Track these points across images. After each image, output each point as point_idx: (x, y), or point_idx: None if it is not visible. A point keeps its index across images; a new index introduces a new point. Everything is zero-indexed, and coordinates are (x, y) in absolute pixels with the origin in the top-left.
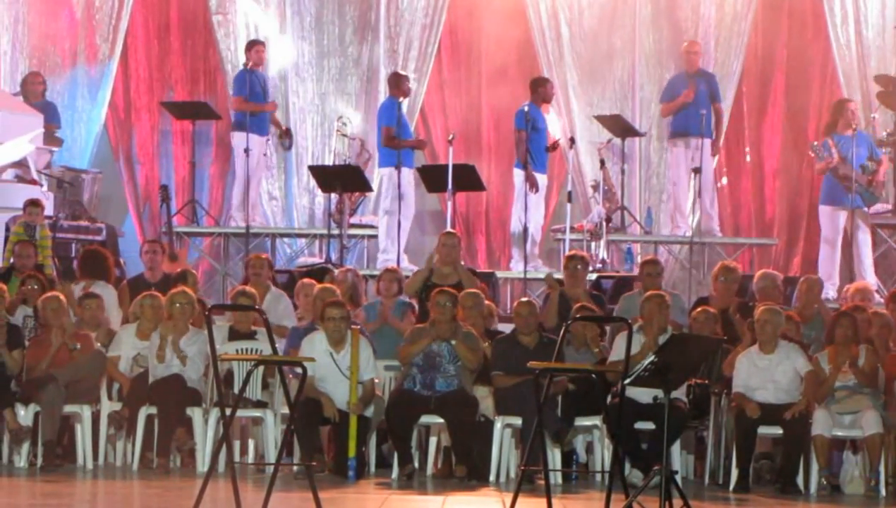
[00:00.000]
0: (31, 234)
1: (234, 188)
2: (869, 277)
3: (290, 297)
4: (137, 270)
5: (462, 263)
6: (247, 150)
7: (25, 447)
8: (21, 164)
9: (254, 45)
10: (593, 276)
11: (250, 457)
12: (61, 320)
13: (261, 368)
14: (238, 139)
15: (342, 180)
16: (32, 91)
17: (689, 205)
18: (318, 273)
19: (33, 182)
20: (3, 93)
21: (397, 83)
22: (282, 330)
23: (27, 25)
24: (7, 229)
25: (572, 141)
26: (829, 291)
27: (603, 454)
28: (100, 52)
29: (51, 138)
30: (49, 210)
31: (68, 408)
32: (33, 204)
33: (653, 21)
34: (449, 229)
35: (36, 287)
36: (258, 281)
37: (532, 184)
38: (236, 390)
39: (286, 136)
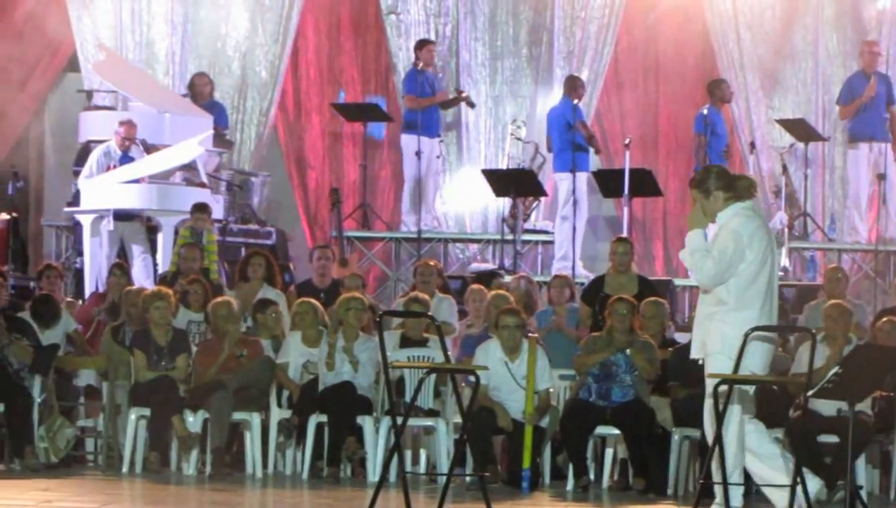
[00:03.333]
0: (197, 239)
1: (404, 191)
2: None
3: (461, 303)
4: (306, 275)
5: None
6: (418, 153)
7: (194, 454)
8: (190, 167)
9: (425, 45)
10: None
11: (422, 467)
12: (231, 326)
13: (433, 376)
14: (407, 141)
15: (516, 184)
16: (200, 92)
17: (869, 212)
18: (487, 277)
19: (202, 185)
20: (173, 95)
21: (573, 86)
22: (447, 327)
23: (196, 25)
24: (175, 232)
25: (753, 145)
26: None
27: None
28: (269, 52)
29: (220, 141)
30: (219, 213)
31: (237, 415)
32: (200, 209)
33: (836, 21)
34: (621, 235)
35: (199, 291)
36: (426, 288)
37: None
38: (408, 398)
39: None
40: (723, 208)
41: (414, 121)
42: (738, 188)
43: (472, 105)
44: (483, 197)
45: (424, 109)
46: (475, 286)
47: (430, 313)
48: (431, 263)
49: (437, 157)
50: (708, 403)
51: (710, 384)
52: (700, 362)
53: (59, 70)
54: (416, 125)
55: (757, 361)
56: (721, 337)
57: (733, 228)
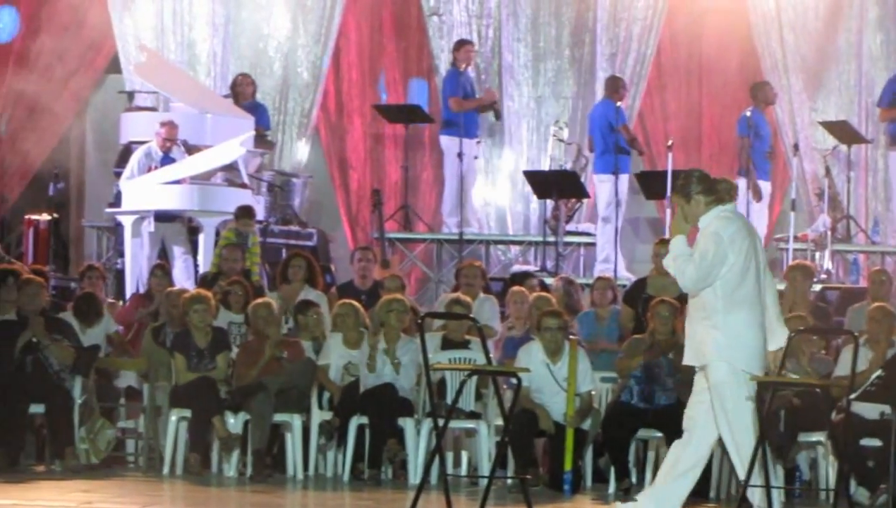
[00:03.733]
0: (242, 241)
1: (445, 193)
2: None
3: (502, 306)
4: (347, 276)
5: None
6: (460, 154)
7: (235, 455)
8: (231, 168)
9: (462, 45)
10: (818, 287)
11: (463, 470)
12: (272, 328)
13: (474, 378)
14: (447, 142)
15: (558, 186)
16: (242, 92)
17: None
18: (520, 278)
19: (244, 186)
20: (213, 95)
21: (615, 87)
22: (487, 330)
23: (238, 26)
24: (217, 234)
25: (796, 147)
26: None
27: (827, 471)
28: (311, 53)
29: (261, 141)
30: (260, 215)
31: (278, 417)
32: (246, 215)
33: (879, 22)
34: (664, 236)
35: (239, 293)
36: (470, 290)
37: (755, 192)
38: (449, 400)
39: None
40: (704, 212)
41: (455, 121)
42: (719, 191)
43: (497, 116)
44: (525, 198)
45: (467, 112)
46: (516, 288)
47: (471, 314)
48: (476, 264)
49: (475, 158)
50: (694, 404)
51: (743, 388)
52: (697, 369)
53: (101, 71)
54: (457, 126)
55: (752, 363)
56: (714, 344)
57: (713, 231)
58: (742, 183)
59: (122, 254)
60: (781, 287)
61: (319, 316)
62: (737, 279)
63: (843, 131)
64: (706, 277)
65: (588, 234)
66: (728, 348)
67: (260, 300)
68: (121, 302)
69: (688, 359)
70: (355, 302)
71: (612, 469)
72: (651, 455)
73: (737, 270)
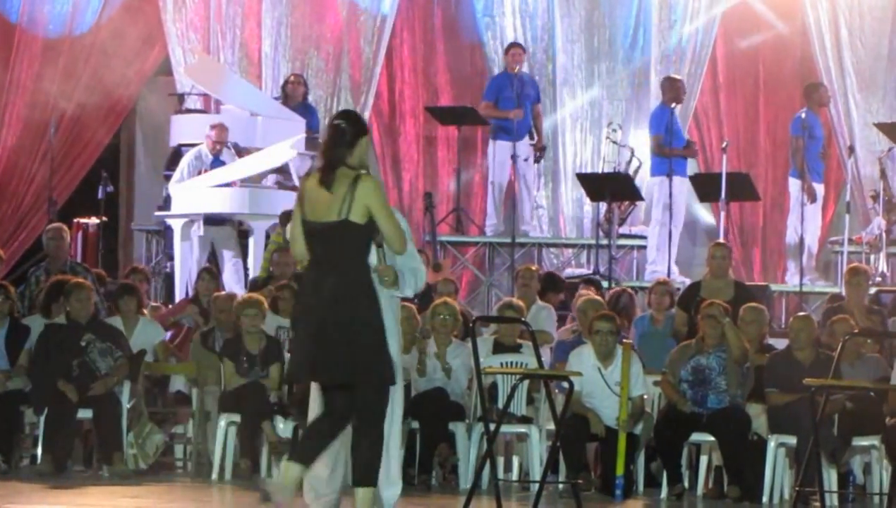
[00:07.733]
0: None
1: (498, 196)
2: None
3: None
4: None
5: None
6: (513, 157)
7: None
8: (282, 170)
9: (510, 49)
10: (872, 290)
11: (514, 474)
12: None
13: (526, 382)
14: (495, 145)
15: (612, 189)
16: (293, 94)
17: None
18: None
19: (294, 189)
20: (264, 97)
21: (671, 88)
22: (544, 336)
23: (290, 28)
24: (267, 237)
25: (851, 149)
26: None
27: (881, 475)
28: (363, 54)
29: (312, 143)
30: None
31: None
32: (289, 220)
33: None
34: (719, 240)
35: (289, 297)
36: (527, 292)
37: (809, 194)
38: (500, 404)
39: (539, 151)
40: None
41: (503, 125)
42: None
43: (539, 156)
44: (578, 201)
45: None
46: (584, 292)
47: (524, 318)
48: (534, 268)
49: (525, 160)
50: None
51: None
52: None
53: (151, 73)
54: (505, 129)
55: None
56: None
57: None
58: (796, 184)
59: (171, 258)
60: (836, 290)
61: None
62: None
63: None
64: None
65: (641, 237)
66: None
67: None
68: (169, 306)
69: None
70: (412, 307)
71: (664, 474)
72: (703, 459)
73: None
